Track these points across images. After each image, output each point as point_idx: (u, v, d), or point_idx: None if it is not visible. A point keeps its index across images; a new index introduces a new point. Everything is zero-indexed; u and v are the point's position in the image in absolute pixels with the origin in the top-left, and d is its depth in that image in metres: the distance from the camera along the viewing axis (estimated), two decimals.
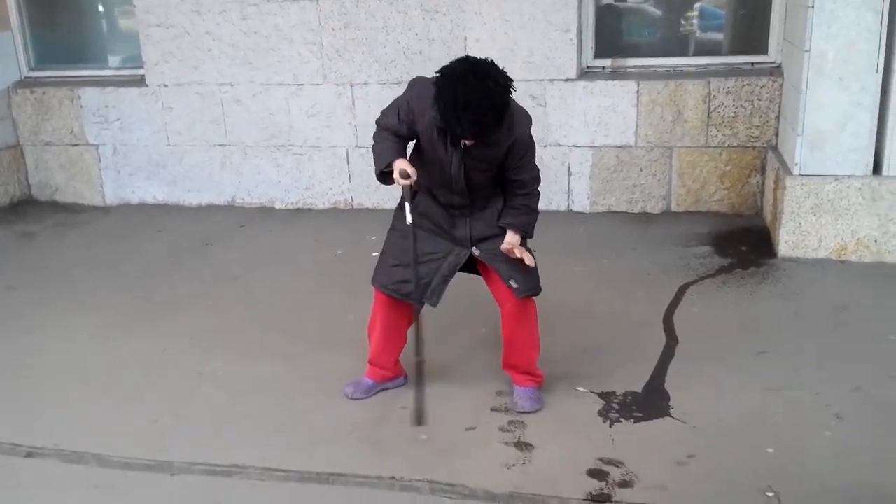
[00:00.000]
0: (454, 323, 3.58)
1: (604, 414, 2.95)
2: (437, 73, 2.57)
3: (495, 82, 2.51)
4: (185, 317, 3.98)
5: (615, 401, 3.03)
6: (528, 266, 2.84)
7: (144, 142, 5.75)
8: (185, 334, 3.78)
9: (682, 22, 5.32)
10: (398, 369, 3.18)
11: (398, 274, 2.90)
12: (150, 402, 3.20)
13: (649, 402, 3.02)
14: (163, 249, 4.97)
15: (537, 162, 2.88)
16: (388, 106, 2.85)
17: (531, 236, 2.92)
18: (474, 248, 2.87)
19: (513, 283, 2.83)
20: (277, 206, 5.66)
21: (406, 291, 2.88)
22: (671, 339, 3.50)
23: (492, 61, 2.57)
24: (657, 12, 5.34)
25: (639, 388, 3.11)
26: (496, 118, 2.53)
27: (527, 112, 2.78)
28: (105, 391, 3.31)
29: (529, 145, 2.78)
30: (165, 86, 5.58)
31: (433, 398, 3.07)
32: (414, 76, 2.85)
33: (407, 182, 2.72)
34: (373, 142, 2.87)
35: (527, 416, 2.95)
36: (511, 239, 2.82)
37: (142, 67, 5.64)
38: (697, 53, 5.17)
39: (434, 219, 2.90)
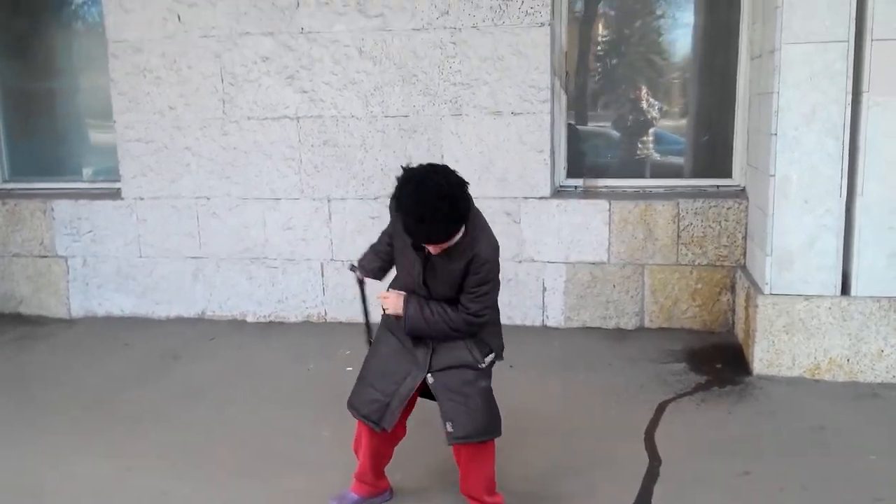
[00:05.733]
0: (433, 440, 3.48)
1: None
2: (396, 177, 2.60)
3: (443, 184, 2.49)
4: (151, 434, 3.82)
5: None
6: (478, 408, 2.75)
7: (115, 253, 5.69)
8: (150, 452, 3.62)
9: (640, 145, 5.54)
10: (383, 483, 3.08)
11: (365, 394, 2.85)
12: None
13: None
14: (128, 363, 4.82)
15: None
16: None
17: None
18: (430, 374, 2.78)
19: (448, 427, 2.74)
20: (249, 319, 5.59)
21: (366, 412, 2.82)
22: (654, 458, 3.44)
23: (447, 167, 2.59)
24: (617, 135, 5.57)
25: None
26: (446, 218, 2.49)
27: (495, 240, 2.74)
28: None
29: (489, 275, 2.69)
30: (141, 199, 5.60)
31: None
32: (391, 191, 2.87)
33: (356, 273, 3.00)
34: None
35: None
36: (391, 294, 2.79)
37: (118, 180, 5.66)
38: (665, 175, 5.36)
39: (399, 333, 2.84)
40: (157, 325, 5.59)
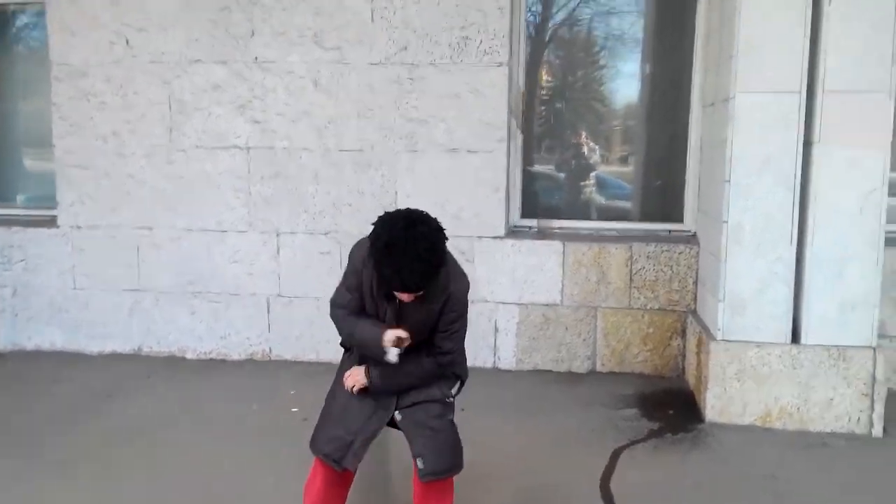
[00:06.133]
0: (398, 481, 3.34)
1: None
2: (372, 223, 2.51)
3: (427, 232, 2.43)
4: (80, 478, 3.57)
5: None
6: (447, 442, 2.69)
7: (48, 284, 5.42)
8: (80, 499, 3.38)
9: (592, 189, 5.55)
10: None
11: (326, 433, 2.72)
12: None
13: None
14: (58, 402, 4.54)
15: None
16: (340, 283, 2.75)
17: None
18: (397, 412, 2.71)
19: (419, 463, 2.65)
20: (189, 356, 5.35)
21: (328, 451, 2.69)
22: None
23: (426, 213, 2.51)
24: (571, 178, 5.57)
25: None
26: (427, 267, 2.42)
27: (466, 276, 2.71)
28: None
29: (463, 310, 2.68)
30: (78, 227, 5.35)
31: None
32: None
33: (405, 344, 2.59)
34: (340, 324, 2.72)
35: None
36: (355, 372, 2.68)
37: (54, 208, 5.41)
38: (619, 218, 5.36)
39: None
40: (90, 360, 5.30)
